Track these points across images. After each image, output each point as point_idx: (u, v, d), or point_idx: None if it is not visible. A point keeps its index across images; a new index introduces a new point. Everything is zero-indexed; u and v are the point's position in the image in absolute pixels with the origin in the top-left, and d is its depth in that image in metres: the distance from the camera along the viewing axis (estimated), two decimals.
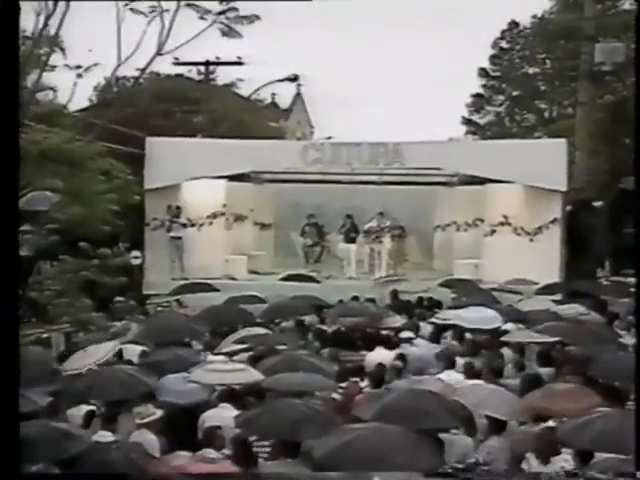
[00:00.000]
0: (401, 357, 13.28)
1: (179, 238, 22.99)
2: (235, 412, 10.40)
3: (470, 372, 12.20)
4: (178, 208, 23.05)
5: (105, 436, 9.40)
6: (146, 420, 10.03)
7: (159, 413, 10.17)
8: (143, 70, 24.98)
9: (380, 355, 13.66)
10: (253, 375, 11.42)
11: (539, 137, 42.63)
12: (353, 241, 25.08)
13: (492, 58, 51.66)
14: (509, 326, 15.21)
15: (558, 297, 19.05)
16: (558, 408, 9.68)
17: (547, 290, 19.55)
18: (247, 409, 10.38)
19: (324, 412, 9.74)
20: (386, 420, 8.79)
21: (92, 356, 12.40)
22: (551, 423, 9.47)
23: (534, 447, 9.07)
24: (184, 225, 23.23)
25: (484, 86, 52.51)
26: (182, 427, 10.37)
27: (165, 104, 37.03)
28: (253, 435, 9.33)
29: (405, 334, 15.18)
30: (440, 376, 11.93)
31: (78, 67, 21.45)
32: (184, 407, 10.91)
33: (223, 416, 10.33)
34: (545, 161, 22.22)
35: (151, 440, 9.69)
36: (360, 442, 8.14)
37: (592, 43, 29.07)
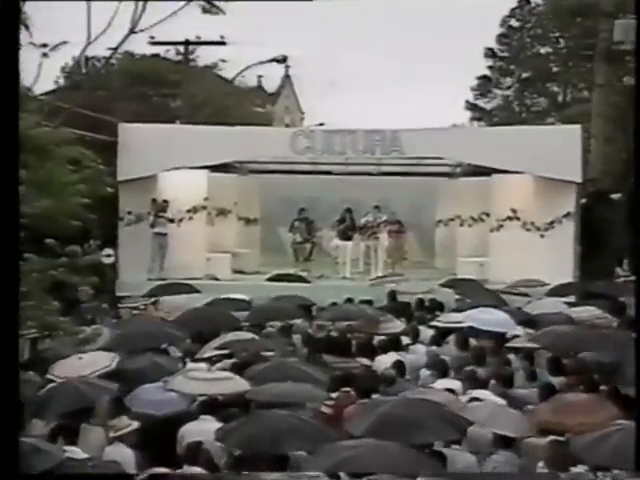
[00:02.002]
0: (399, 364, 13.28)
1: (164, 235, 22.92)
2: (218, 425, 10.42)
3: (476, 381, 12.23)
4: (165, 202, 22.96)
5: (74, 451, 9.43)
6: (120, 433, 10.05)
7: (135, 425, 10.19)
8: (115, 49, 24.79)
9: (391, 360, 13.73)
10: (238, 384, 11.43)
11: (551, 123, 42.76)
12: (350, 238, 25.06)
13: (500, 37, 51.81)
14: (518, 330, 15.24)
15: (572, 299, 19.09)
16: (573, 422, 9.72)
17: (559, 291, 19.56)
18: (231, 422, 10.41)
19: (311, 423, 9.77)
20: (380, 435, 8.82)
21: (89, 366, 12.37)
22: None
23: (546, 461, 9.13)
24: (170, 220, 23.16)
25: (491, 68, 52.66)
26: (160, 440, 10.39)
27: (140, 87, 37.08)
28: (233, 448, 9.37)
29: (402, 340, 15.22)
30: (439, 385, 11.96)
31: (44, 46, 21.23)
32: (161, 418, 10.92)
33: (204, 429, 10.34)
34: (558, 149, 22.20)
35: (126, 454, 9.71)
36: (355, 462, 8.19)
37: (611, 20, 29.08)
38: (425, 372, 13.39)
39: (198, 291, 19.97)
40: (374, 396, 11.61)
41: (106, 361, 12.66)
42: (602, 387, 11.89)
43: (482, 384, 12.11)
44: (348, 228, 25.06)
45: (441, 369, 13.03)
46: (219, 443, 9.68)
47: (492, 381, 12.36)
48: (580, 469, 8.87)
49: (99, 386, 11.42)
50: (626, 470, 8.35)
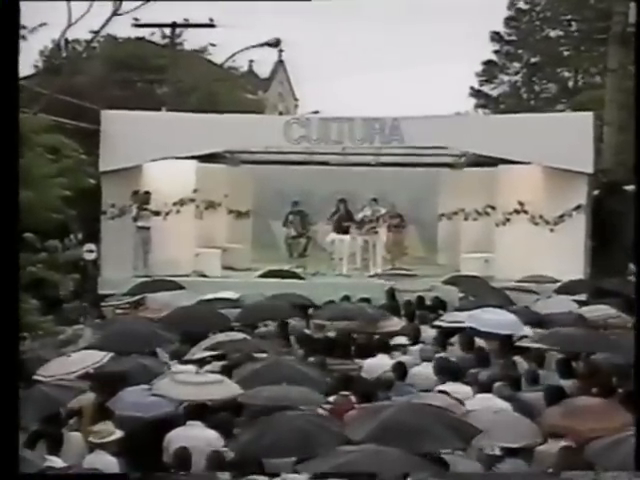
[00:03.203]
0: (399, 366, 13.28)
1: (147, 229, 22.88)
2: (207, 431, 10.42)
3: (480, 384, 12.23)
4: (147, 193, 22.90)
5: (53, 460, 9.44)
6: (103, 440, 10.04)
7: (119, 434, 10.16)
8: (97, 32, 24.95)
9: (382, 363, 13.71)
10: (229, 388, 11.42)
11: (561, 110, 42.71)
12: (346, 232, 25.04)
13: (507, 20, 51.65)
14: (526, 331, 15.24)
15: (583, 297, 19.10)
16: (584, 427, 9.73)
17: (570, 288, 19.57)
18: (220, 427, 10.42)
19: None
20: (382, 441, 8.84)
21: (77, 364, 12.37)
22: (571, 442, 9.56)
23: (556, 468, 9.15)
24: (156, 213, 23.12)
25: (497, 52, 52.50)
26: (145, 447, 10.39)
27: (124, 72, 37.02)
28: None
29: (399, 340, 15.22)
30: (444, 389, 11.96)
31: (22, 28, 21.32)
32: (147, 423, 10.92)
33: (192, 436, 10.34)
34: (568, 138, 22.22)
35: (109, 463, 9.71)
36: (354, 466, 8.22)
37: (626, 1, 29.08)
38: (428, 375, 13.36)
39: (182, 287, 19.96)
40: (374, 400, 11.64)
41: (96, 357, 12.60)
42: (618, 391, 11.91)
43: (486, 387, 12.10)
44: (342, 219, 24.95)
45: (448, 372, 12.93)
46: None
47: (497, 384, 12.34)
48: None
49: (71, 388, 11.43)
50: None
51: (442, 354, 14.27)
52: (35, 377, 12.02)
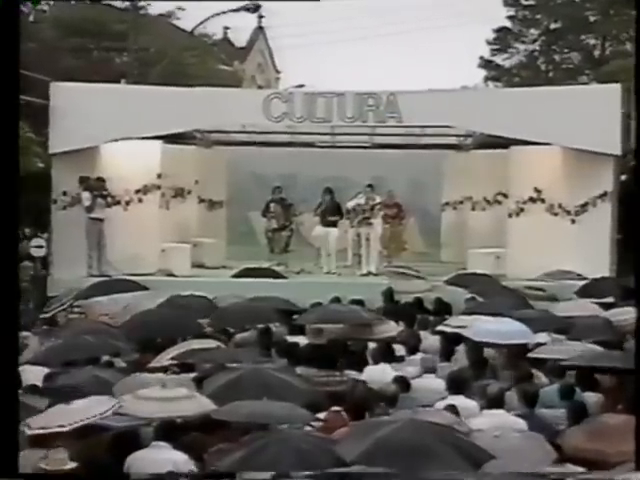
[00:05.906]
0: (401, 381, 13.29)
1: (100, 220, 22.77)
2: (174, 453, 10.40)
3: (490, 399, 12.25)
4: (100, 180, 22.78)
5: None
6: (55, 469, 9.99)
7: (71, 465, 10.09)
8: None
9: (384, 372, 13.77)
10: (201, 404, 11.38)
11: (585, 83, 42.82)
12: (334, 224, 25.03)
13: None
14: (541, 337, 15.24)
15: (609, 298, 19.13)
16: (613, 450, 9.71)
17: (594, 289, 19.60)
18: (193, 449, 10.40)
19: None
20: (377, 462, 8.86)
21: (82, 412, 12.05)
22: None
23: None
24: (117, 203, 23.04)
25: (512, 17, 52.55)
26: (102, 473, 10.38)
27: (78, 39, 36.98)
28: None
29: (396, 348, 15.25)
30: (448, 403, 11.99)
31: None
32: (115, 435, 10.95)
33: (157, 458, 10.31)
34: (593, 114, 22.27)
35: None
36: None
37: None
38: (430, 387, 13.38)
39: (146, 288, 19.95)
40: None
41: (105, 406, 12.16)
42: None
43: (497, 402, 12.10)
44: (327, 212, 24.86)
45: (455, 385, 12.93)
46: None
47: (509, 398, 12.37)
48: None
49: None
50: None
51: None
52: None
